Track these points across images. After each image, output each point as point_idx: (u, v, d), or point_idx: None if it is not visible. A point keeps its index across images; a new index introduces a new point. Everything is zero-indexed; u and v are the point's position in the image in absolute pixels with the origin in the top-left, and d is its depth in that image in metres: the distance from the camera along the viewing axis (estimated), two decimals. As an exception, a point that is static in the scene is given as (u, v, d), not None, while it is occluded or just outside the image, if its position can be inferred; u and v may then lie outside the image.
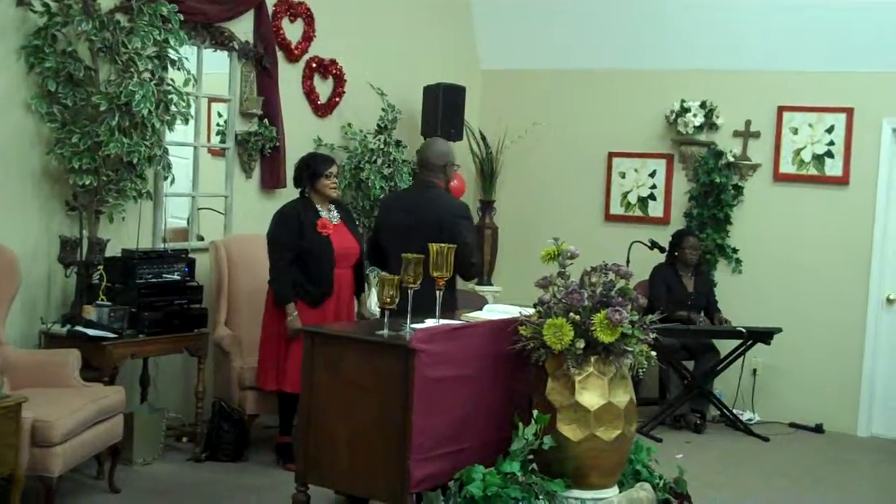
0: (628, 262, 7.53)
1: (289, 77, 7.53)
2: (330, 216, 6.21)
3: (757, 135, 8.37)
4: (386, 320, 4.41)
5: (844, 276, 8.05)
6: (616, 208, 8.97)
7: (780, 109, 8.26)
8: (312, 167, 6.19)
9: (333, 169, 6.25)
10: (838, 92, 8.06)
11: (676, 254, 8.11)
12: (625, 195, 8.93)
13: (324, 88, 7.87)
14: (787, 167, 8.28)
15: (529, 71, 9.26)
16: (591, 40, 8.88)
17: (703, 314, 8.07)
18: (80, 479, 5.63)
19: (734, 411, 7.97)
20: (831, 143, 8.12)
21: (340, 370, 4.39)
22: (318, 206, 6.19)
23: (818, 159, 8.17)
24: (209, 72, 7.03)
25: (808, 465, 7.06)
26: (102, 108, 5.76)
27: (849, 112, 8.05)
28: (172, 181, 6.50)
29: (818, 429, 7.96)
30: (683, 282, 8.11)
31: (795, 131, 8.24)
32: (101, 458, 5.61)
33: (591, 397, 4.36)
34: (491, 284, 8.97)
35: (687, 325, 7.72)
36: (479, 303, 6.50)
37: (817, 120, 8.16)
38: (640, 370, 4.50)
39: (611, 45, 8.81)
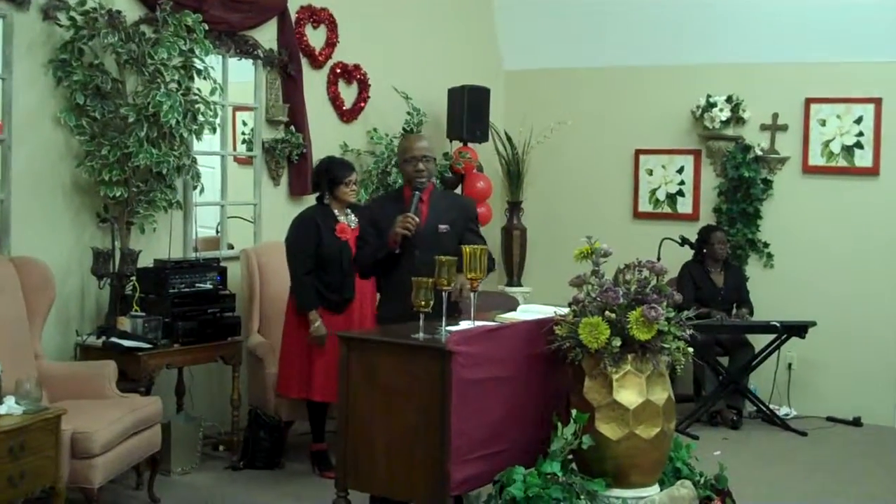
0: (659, 259, 7.48)
1: (313, 83, 7.54)
2: (348, 220, 6.19)
3: (784, 128, 8.31)
4: (421, 323, 4.40)
5: (878, 267, 7.98)
6: (644, 206, 8.93)
7: (808, 101, 8.19)
8: (332, 173, 6.19)
9: (353, 176, 6.26)
10: (866, 82, 7.99)
11: (705, 250, 8.07)
12: (653, 192, 8.89)
13: (348, 94, 7.89)
14: (816, 159, 8.22)
15: (552, 70, 9.24)
16: (614, 38, 8.85)
17: (734, 309, 8.01)
18: (119, 489, 5.66)
19: (770, 406, 7.92)
20: (860, 133, 8.05)
21: (377, 374, 4.37)
22: (336, 212, 6.18)
23: (847, 150, 8.11)
24: (234, 80, 7.05)
25: (847, 458, 7.01)
26: (131, 120, 5.79)
27: (877, 102, 7.98)
28: (202, 191, 6.52)
29: (856, 422, 7.89)
30: (712, 278, 8.06)
31: (823, 123, 8.17)
32: (140, 469, 5.63)
33: (629, 395, 4.33)
34: (521, 285, 8.96)
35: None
36: (511, 304, 6.48)
37: (845, 111, 8.09)
38: (678, 367, 4.47)
39: (634, 42, 8.77)
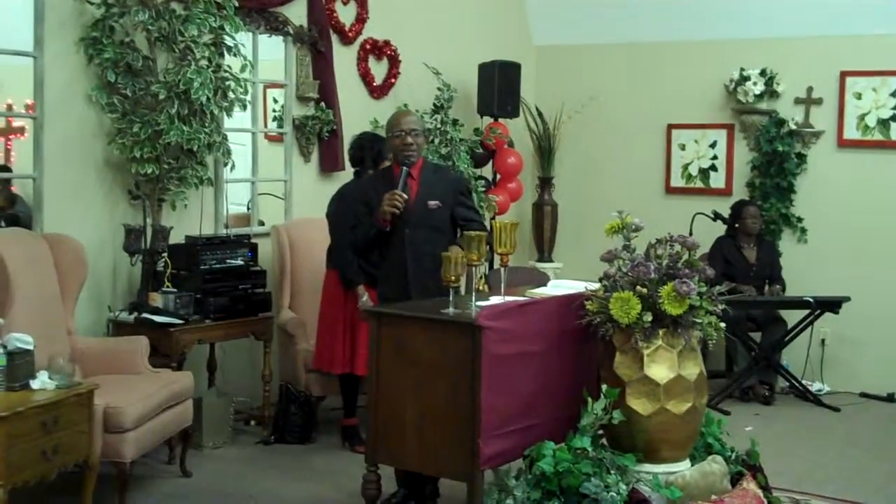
0: (691, 234, 7.45)
1: (344, 60, 7.52)
2: None
3: (819, 101, 8.22)
4: (451, 298, 4.39)
5: (913, 242, 7.91)
6: (677, 181, 8.86)
7: (843, 74, 8.09)
8: (378, 148, 6.13)
9: None
10: (902, 55, 7.90)
11: (738, 225, 8.00)
12: (685, 167, 8.82)
13: (379, 70, 7.86)
14: (851, 133, 8.12)
15: (583, 46, 9.16)
16: (645, 13, 8.75)
17: (767, 285, 7.95)
18: (152, 464, 5.70)
19: (803, 382, 7.86)
20: (896, 107, 7.97)
21: (407, 350, 4.38)
22: None
23: (883, 124, 8.01)
24: (265, 58, 7.05)
25: (880, 434, 6.96)
26: (161, 97, 5.79)
27: (914, 74, 7.90)
28: (233, 167, 6.52)
29: (890, 398, 7.82)
30: (744, 253, 7.99)
31: (859, 96, 8.07)
32: (172, 443, 5.67)
33: (660, 370, 4.32)
34: (551, 261, 8.94)
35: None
36: (542, 279, 6.47)
37: (881, 84, 7.98)
38: (710, 342, 4.44)
39: (665, 16, 8.68)
